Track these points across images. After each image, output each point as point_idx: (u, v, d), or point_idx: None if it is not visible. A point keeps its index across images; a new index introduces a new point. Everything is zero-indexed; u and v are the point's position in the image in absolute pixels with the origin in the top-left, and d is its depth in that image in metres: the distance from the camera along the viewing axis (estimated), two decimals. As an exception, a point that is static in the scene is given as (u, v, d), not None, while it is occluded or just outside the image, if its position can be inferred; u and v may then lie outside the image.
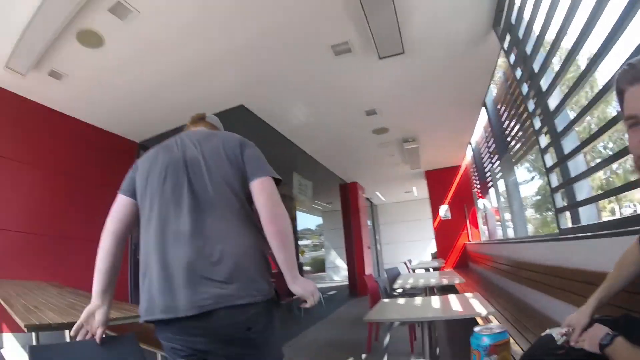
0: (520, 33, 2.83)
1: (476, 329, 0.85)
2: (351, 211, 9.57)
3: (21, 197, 4.01)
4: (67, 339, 2.45)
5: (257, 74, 3.92)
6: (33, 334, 2.12)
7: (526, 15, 2.70)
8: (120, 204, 1.41)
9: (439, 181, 8.64)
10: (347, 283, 9.61)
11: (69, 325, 2.18)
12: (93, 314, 1.35)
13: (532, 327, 2.53)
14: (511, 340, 2.35)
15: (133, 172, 1.45)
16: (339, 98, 4.63)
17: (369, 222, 11.28)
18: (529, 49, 2.77)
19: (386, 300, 3.04)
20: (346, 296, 9.05)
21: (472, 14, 3.21)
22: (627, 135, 0.88)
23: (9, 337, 3.34)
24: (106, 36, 3.18)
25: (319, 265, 14.26)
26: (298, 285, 1.26)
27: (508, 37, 3.14)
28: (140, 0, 2.82)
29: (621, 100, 0.91)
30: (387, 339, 2.93)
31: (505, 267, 4.14)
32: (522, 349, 2.05)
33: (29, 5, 2.72)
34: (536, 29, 2.57)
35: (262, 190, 1.31)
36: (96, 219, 5.04)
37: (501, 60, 3.91)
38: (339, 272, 13.15)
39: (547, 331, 1.34)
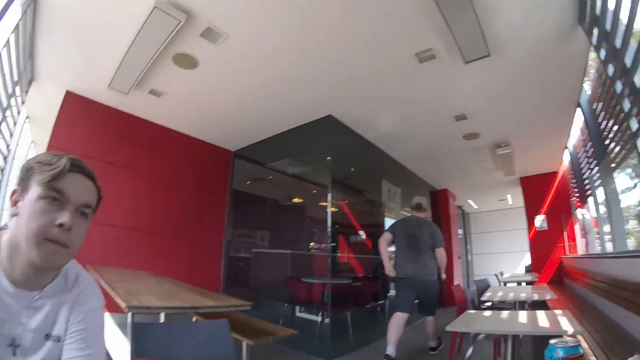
0: (607, 25, 2.57)
1: (552, 341, 0.86)
2: (442, 219, 9.08)
3: (126, 198, 4.69)
4: (162, 321, 2.76)
5: (344, 85, 4.05)
6: (129, 314, 2.47)
7: (610, 5, 2.45)
8: (388, 235, 4.29)
9: (534, 189, 7.90)
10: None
11: (166, 309, 2.51)
12: None
13: (621, 352, 2.27)
14: (595, 363, 2.16)
15: (394, 226, 4.38)
16: (426, 104, 4.56)
17: (460, 231, 10.76)
18: (618, 42, 2.51)
19: (472, 311, 2.96)
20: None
21: (554, 9, 2.96)
22: None
23: (106, 316, 3.95)
24: (200, 58, 3.56)
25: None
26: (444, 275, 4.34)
27: (596, 31, 2.86)
28: (229, 24, 3.10)
29: None
30: (470, 352, 2.79)
31: (601, 284, 3.72)
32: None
33: (128, 33, 3.16)
34: (624, 18, 2.32)
35: (440, 254, 4.21)
36: (193, 219, 5.75)
37: (593, 56, 3.54)
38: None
39: (635, 356, 1.26)
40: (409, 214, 7.19)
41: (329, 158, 5.04)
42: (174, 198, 5.30)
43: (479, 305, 4.23)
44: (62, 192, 0.90)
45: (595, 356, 2.34)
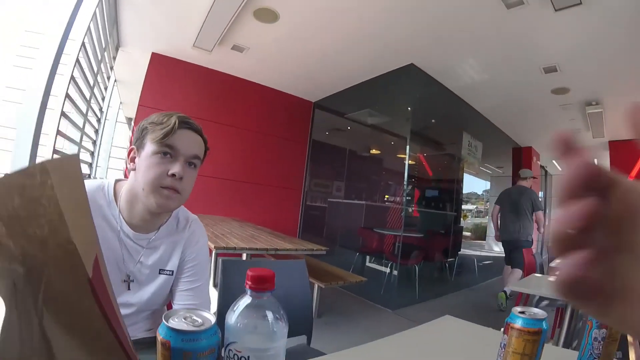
0: None
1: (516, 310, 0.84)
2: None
3: (220, 151, 5.04)
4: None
5: (427, 32, 3.87)
6: (214, 254, 2.78)
7: None
8: (497, 207, 5.27)
9: (623, 155, 7.15)
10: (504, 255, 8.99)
11: (248, 250, 2.80)
12: None
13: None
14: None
15: (500, 197, 5.34)
16: (513, 54, 4.26)
17: (540, 194, 10.19)
18: None
19: (538, 274, 2.94)
20: (502, 269, 8.54)
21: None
22: None
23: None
24: (280, 12, 3.59)
25: (480, 233, 13.10)
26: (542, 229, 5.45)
27: None
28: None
29: None
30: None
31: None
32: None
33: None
34: None
35: (538, 217, 4.92)
36: (274, 169, 6.17)
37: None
38: (499, 243, 12.20)
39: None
40: (488, 171, 8.46)
41: (409, 108, 5.00)
42: (257, 148, 5.65)
43: (547, 271, 4.10)
44: (173, 147, 1.02)
45: None
